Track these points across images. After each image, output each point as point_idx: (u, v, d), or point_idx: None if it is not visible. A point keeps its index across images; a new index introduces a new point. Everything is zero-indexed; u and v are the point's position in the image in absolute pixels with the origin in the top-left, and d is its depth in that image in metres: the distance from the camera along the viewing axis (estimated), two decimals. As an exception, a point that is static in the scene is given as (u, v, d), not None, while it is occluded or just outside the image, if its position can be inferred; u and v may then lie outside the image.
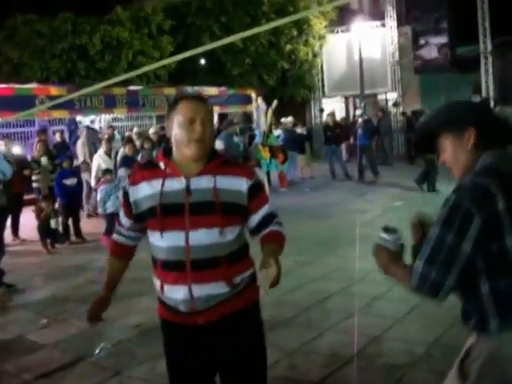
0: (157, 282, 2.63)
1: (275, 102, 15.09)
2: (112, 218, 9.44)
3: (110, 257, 2.83)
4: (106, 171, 10.04)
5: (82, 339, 5.36)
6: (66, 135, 15.27)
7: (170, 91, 17.78)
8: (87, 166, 12.47)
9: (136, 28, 19.32)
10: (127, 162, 10.88)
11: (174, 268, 2.53)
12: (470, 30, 19.89)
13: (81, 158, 13.30)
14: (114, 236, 2.82)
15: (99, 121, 16.73)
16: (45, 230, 9.46)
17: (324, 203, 12.21)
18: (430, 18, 20.88)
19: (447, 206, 2.07)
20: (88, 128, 14.75)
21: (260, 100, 15.61)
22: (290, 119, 17.66)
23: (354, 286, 6.29)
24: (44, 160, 11.39)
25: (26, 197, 11.26)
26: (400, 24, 22.35)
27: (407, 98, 22.29)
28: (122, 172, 10.69)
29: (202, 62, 21.24)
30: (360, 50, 20.96)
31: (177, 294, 2.54)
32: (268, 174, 13.97)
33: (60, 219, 9.78)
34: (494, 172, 2.10)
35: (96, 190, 10.20)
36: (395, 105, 22.31)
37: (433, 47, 21.16)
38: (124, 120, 18.46)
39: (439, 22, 20.73)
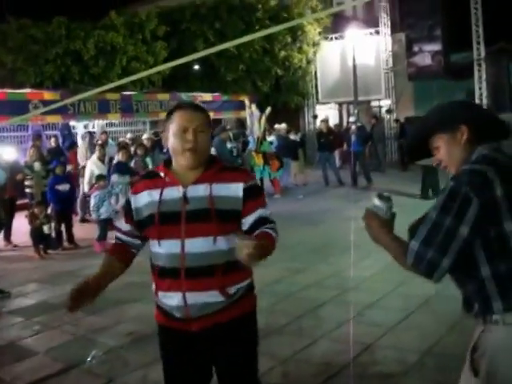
0: (154, 288, 2.68)
1: (269, 109, 15.13)
2: (105, 224, 9.46)
3: (107, 254, 2.82)
4: (100, 177, 10.03)
5: (75, 346, 5.35)
6: (60, 140, 15.22)
7: (164, 97, 17.82)
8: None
9: (130, 33, 19.27)
10: (120, 168, 10.88)
11: (169, 275, 2.57)
12: (464, 37, 19.97)
13: (82, 163, 13.18)
14: (114, 240, 2.82)
15: (93, 126, 16.68)
16: (37, 236, 9.42)
17: (317, 210, 12.23)
18: (423, 25, 20.92)
19: (445, 191, 2.10)
20: (90, 133, 14.75)
21: (254, 107, 15.64)
22: (283, 125, 17.64)
23: (346, 293, 6.31)
24: (37, 165, 11.33)
25: (19, 202, 11.24)
26: (394, 31, 22.39)
27: (401, 105, 22.34)
28: (114, 178, 10.68)
29: (196, 67, 21.24)
30: (354, 57, 20.99)
31: (171, 300, 2.58)
32: (261, 180, 13.97)
33: (53, 225, 9.75)
34: (491, 160, 2.14)
35: (89, 196, 10.19)
36: (389, 112, 22.35)
37: (426, 54, 21.20)
38: (118, 125, 18.43)
39: (433, 29, 20.78)
